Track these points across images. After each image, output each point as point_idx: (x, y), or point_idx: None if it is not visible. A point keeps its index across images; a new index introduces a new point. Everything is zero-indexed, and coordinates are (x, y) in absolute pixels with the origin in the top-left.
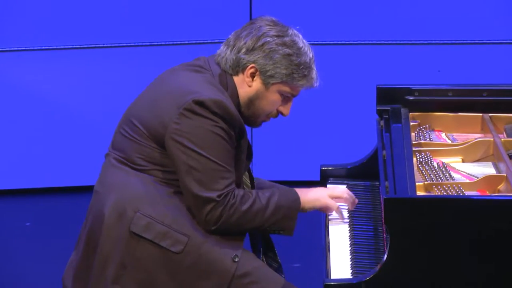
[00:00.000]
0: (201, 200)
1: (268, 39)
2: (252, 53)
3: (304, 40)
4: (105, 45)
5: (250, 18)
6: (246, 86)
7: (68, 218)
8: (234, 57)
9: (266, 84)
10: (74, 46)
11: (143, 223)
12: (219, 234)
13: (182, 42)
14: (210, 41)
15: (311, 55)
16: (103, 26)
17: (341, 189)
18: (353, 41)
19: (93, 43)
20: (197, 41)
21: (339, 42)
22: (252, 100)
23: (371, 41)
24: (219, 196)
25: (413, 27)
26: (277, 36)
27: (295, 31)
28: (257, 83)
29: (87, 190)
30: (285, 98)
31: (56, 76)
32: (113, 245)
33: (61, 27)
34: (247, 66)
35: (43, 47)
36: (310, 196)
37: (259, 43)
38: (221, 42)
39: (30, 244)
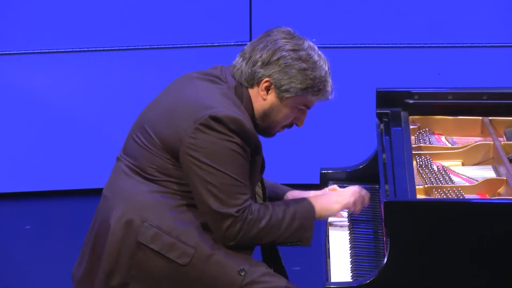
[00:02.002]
0: (220, 215)
1: (284, 53)
2: (268, 67)
3: (320, 53)
4: (107, 48)
5: (250, 21)
6: (261, 99)
7: (68, 221)
8: (249, 71)
9: (280, 98)
10: (77, 49)
11: (151, 233)
12: (228, 248)
13: (182, 45)
14: (210, 44)
15: (326, 68)
16: (105, 29)
17: (353, 192)
18: (353, 44)
19: (96, 46)
20: (197, 44)
21: (339, 45)
22: (267, 113)
23: (371, 44)
24: (237, 211)
25: (413, 31)
26: (293, 50)
27: (311, 44)
28: (271, 97)
29: (88, 193)
30: (300, 110)
31: (57, 78)
32: (119, 254)
33: (64, 30)
34: (262, 80)
35: (48, 50)
36: (324, 203)
37: (275, 57)
38: (221, 46)
39: (30, 247)
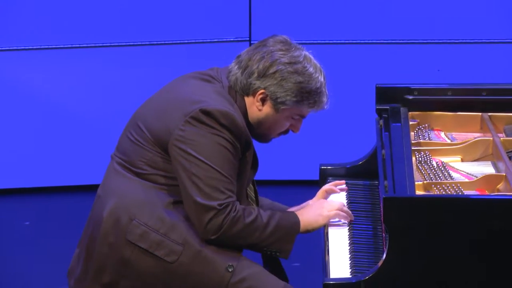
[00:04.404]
0: (202, 207)
1: (280, 66)
2: (264, 80)
3: (316, 63)
4: (106, 44)
5: (250, 17)
6: (256, 109)
7: (67, 217)
8: (245, 81)
9: (276, 109)
10: (75, 45)
11: (139, 232)
12: (216, 245)
13: (182, 42)
14: (209, 40)
15: (322, 79)
16: (104, 25)
17: (336, 207)
18: (353, 40)
19: (94, 42)
20: (197, 41)
21: (339, 41)
22: (262, 122)
23: (371, 40)
24: (220, 205)
25: (412, 26)
26: (289, 63)
27: (307, 55)
28: (267, 107)
29: (87, 189)
30: (295, 119)
31: (56, 75)
32: (109, 252)
33: (61, 26)
34: (258, 91)
35: (46, 46)
36: (309, 219)
37: (271, 71)
38: (221, 42)
39: (29, 243)
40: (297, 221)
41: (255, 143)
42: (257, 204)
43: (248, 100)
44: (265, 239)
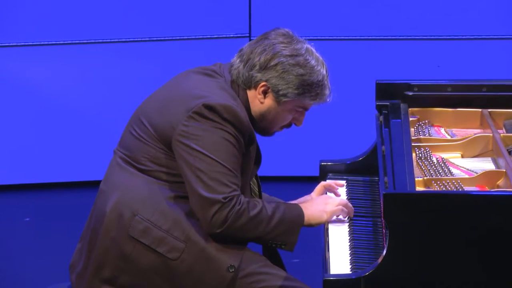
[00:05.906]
0: (207, 201)
1: (282, 59)
2: (265, 72)
3: (318, 56)
4: (106, 40)
5: (250, 13)
6: (258, 102)
7: (67, 213)
8: (247, 74)
9: (278, 101)
10: (76, 42)
11: (141, 227)
12: (221, 239)
13: (181, 38)
14: (209, 36)
15: (324, 72)
16: (105, 22)
17: (339, 203)
18: (353, 36)
19: (94, 38)
20: (197, 37)
21: (339, 37)
22: (264, 115)
23: (371, 36)
24: (225, 198)
25: (412, 23)
26: (291, 55)
27: (309, 47)
28: (269, 100)
29: (87, 185)
30: (298, 112)
31: (57, 70)
32: (110, 246)
33: (62, 22)
34: (259, 84)
35: (47, 43)
36: (314, 214)
37: (273, 63)
38: (220, 38)
39: (29, 239)
40: (301, 214)
41: (258, 138)
42: (261, 198)
43: (250, 93)
44: (270, 232)
